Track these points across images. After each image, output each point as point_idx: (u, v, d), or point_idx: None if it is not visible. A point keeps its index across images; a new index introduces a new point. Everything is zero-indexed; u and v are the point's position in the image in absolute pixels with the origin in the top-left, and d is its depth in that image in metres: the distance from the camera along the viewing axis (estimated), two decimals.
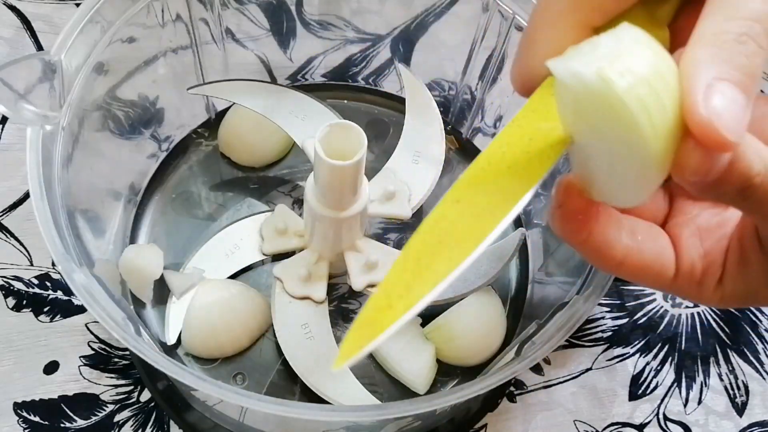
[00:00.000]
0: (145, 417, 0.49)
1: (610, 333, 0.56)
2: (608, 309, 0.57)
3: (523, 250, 0.56)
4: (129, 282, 0.50)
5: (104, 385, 0.50)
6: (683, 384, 0.54)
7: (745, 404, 0.54)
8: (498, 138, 0.27)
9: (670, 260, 0.31)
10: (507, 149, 0.27)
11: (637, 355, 0.55)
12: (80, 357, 0.51)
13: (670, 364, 0.55)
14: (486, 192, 0.26)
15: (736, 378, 0.55)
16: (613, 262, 0.30)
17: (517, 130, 0.27)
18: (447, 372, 0.51)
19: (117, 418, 0.49)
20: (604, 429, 0.52)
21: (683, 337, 0.56)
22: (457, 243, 0.25)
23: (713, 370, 0.55)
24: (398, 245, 0.54)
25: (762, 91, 0.50)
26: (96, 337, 0.51)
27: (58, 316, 0.52)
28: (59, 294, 0.53)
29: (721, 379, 0.55)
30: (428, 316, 0.51)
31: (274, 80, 0.62)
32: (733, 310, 0.57)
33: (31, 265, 0.53)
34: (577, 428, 0.52)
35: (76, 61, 0.42)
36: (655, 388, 0.54)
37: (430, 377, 0.49)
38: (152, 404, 0.50)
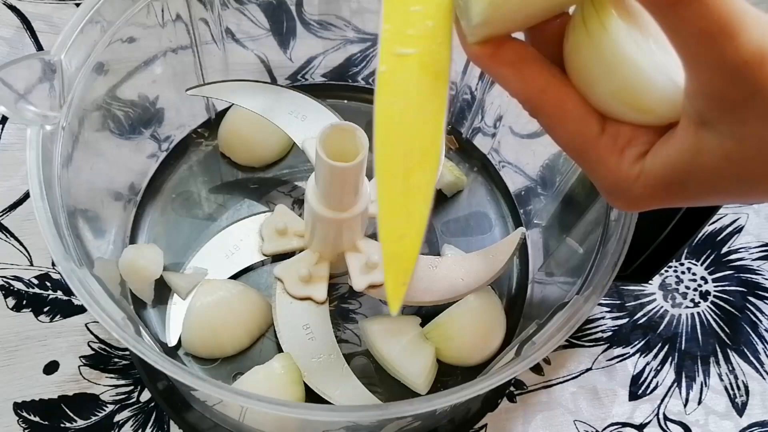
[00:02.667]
0: (145, 417, 0.49)
1: (610, 333, 0.56)
2: (608, 309, 0.57)
3: (523, 250, 0.56)
4: (129, 282, 0.50)
5: (104, 385, 0.50)
6: (683, 384, 0.54)
7: (745, 404, 0.54)
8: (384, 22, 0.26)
9: (595, 122, 0.28)
10: (400, 39, 0.26)
11: (637, 355, 0.55)
12: (80, 357, 0.51)
13: (670, 364, 0.55)
14: (409, 89, 0.26)
15: (736, 378, 0.55)
16: (534, 85, 0.28)
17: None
18: (447, 372, 0.51)
19: (117, 418, 0.49)
20: (604, 429, 0.52)
21: (683, 337, 0.56)
22: (420, 146, 0.25)
23: (713, 370, 0.55)
24: None
25: None
26: (96, 337, 0.51)
27: (58, 316, 0.52)
28: (59, 294, 0.53)
29: (721, 379, 0.55)
30: (428, 316, 0.51)
31: (274, 80, 0.62)
32: (733, 310, 0.57)
33: (31, 265, 0.53)
34: (577, 428, 0.52)
35: (76, 61, 0.42)
36: (655, 388, 0.54)
37: (430, 377, 0.49)
38: (152, 404, 0.50)
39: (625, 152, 0.28)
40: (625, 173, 0.28)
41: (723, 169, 0.25)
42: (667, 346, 0.56)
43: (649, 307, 0.57)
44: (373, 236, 0.51)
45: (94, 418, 0.49)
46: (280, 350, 0.49)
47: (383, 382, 0.50)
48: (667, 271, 0.59)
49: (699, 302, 0.57)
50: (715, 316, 0.57)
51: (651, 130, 0.28)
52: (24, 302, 0.52)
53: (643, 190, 0.28)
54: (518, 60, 0.28)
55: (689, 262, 0.59)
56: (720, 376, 0.55)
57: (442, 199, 0.58)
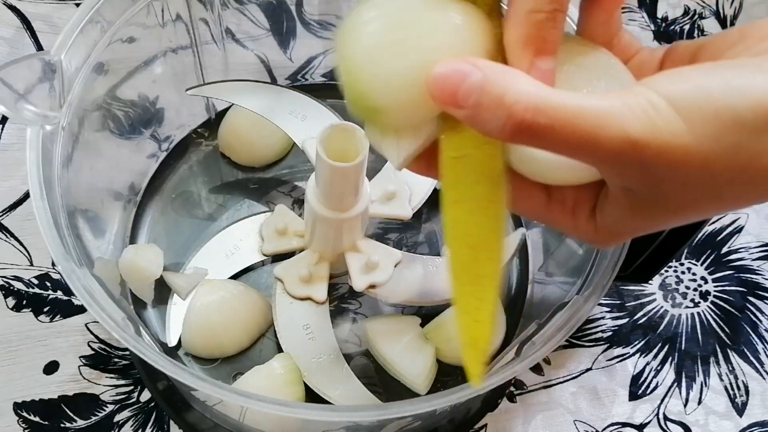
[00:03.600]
0: (145, 417, 0.49)
1: (610, 333, 0.56)
2: (608, 309, 0.57)
3: (523, 250, 0.56)
4: (129, 282, 0.50)
5: (104, 385, 0.50)
6: (683, 384, 0.54)
7: (745, 404, 0.54)
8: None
9: (538, 187, 0.31)
10: (457, 142, 0.29)
11: (637, 355, 0.55)
12: (80, 357, 0.51)
13: (670, 364, 0.55)
14: (473, 181, 0.29)
15: (736, 378, 0.55)
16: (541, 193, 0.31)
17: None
18: (447, 372, 0.51)
19: (117, 418, 0.49)
20: (604, 429, 0.52)
21: (683, 337, 0.56)
22: (484, 240, 0.29)
23: (713, 370, 0.55)
24: (398, 245, 0.54)
25: None
26: (96, 337, 0.51)
27: (58, 316, 0.52)
28: (59, 294, 0.53)
29: (721, 379, 0.55)
30: (428, 316, 0.51)
31: (274, 80, 0.62)
32: (733, 310, 0.57)
33: (31, 265, 0.53)
34: (577, 428, 0.52)
35: (76, 61, 0.42)
36: (655, 388, 0.54)
37: (430, 377, 0.49)
38: (152, 404, 0.50)
39: (576, 214, 0.31)
40: (584, 229, 0.31)
41: (663, 214, 0.28)
42: (667, 346, 0.56)
43: (649, 307, 0.57)
44: (373, 236, 0.51)
45: (94, 418, 0.49)
46: (280, 350, 0.49)
47: (383, 382, 0.50)
48: (667, 271, 0.59)
49: (699, 302, 0.57)
50: (715, 316, 0.57)
51: (590, 191, 0.30)
52: (24, 302, 0.52)
53: (607, 238, 0.31)
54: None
55: (689, 262, 0.59)
56: (720, 376, 0.55)
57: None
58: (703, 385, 0.54)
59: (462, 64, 0.25)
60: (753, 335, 0.57)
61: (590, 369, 0.54)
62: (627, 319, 0.56)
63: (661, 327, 0.56)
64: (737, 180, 0.25)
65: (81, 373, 0.50)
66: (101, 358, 0.51)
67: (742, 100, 0.24)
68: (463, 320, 0.29)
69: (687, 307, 0.57)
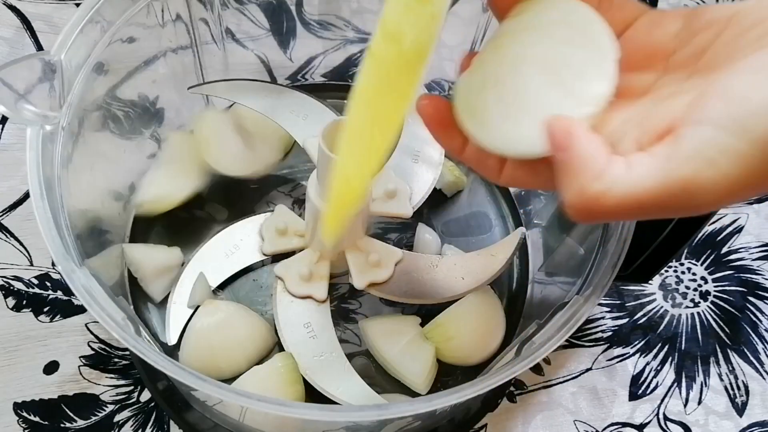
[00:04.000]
0: (145, 417, 0.49)
1: (610, 333, 0.56)
2: (608, 309, 0.57)
3: (523, 250, 0.56)
4: (144, 277, 0.50)
5: (104, 385, 0.50)
6: (683, 384, 0.54)
7: (745, 404, 0.54)
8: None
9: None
10: (392, 31, 0.30)
11: (637, 355, 0.55)
12: (80, 357, 0.51)
13: (670, 364, 0.55)
14: (390, 71, 0.30)
15: (736, 378, 0.55)
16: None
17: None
18: (447, 372, 0.51)
19: (117, 418, 0.49)
20: (604, 429, 0.52)
21: (683, 337, 0.56)
22: (388, 120, 0.30)
23: (713, 370, 0.55)
24: (398, 244, 0.54)
25: None
26: (96, 337, 0.51)
27: (58, 316, 0.52)
28: (59, 294, 0.53)
29: (721, 379, 0.55)
30: (428, 316, 0.51)
31: (274, 80, 0.62)
32: (733, 310, 0.57)
33: (31, 265, 0.53)
34: (577, 428, 0.52)
35: (76, 61, 0.42)
36: (655, 388, 0.54)
37: (430, 377, 0.49)
38: (152, 404, 0.50)
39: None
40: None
41: None
42: (667, 346, 0.56)
43: (649, 307, 0.57)
44: (374, 236, 0.51)
45: (94, 418, 0.49)
46: (280, 349, 0.49)
47: (383, 382, 0.50)
48: (667, 271, 0.59)
49: (699, 302, 0.57)
50: (715, 316, 0.57)
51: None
52: (24, 302, 0.52)
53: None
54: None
55: (689, 262, 0.59)
56: (720, 376, 0.55)
57: (442, 199, 0.58)
58: (703, 385, 0.54)
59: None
60: (753, 335, 0.57)
61: (590, 369, 0.54)
62: (627, 319, 0.56)
63: (661, 327, 0.56)
64: None
65: (81, 373, 0.50)
66: (101, 358, 0.51)
67: None
68: (339, 174, 0.30)
69: (687, 307, 0.57)
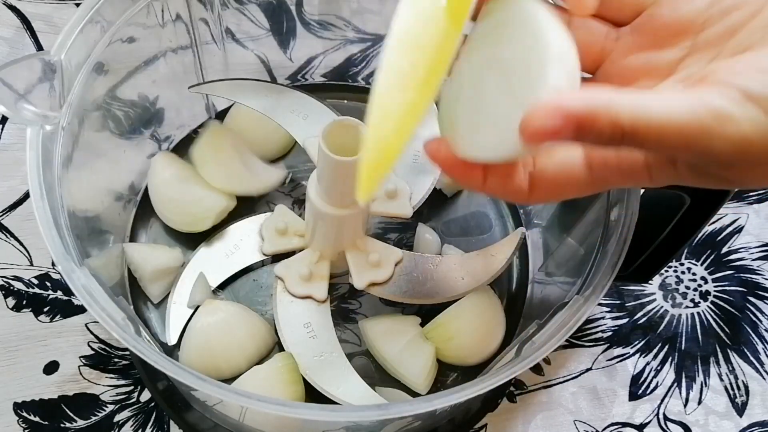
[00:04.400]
0: (145, 417, 0.49)
1: (610, 333, 0.56)
2: (608, 309, 0.57)
3: (523, 250, 0.56)
4: (146, 280, 0.50)
5: (104, 385, 0.50)
6: (683, 384, 0.54)
7: (745, 404, 0.54)
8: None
9: (579, 164, 0.30)
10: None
11: (637, 355, 0.55)
12: (80, 357, 0.51)
13: (670, 364, 0.55)
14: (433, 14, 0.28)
15: (736, 378, 0.55)
16: (523, 192, 0.30)
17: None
18: (447, 372, 0.51)
19: (117, 418, 0.49)
20: (604, 429, 0.52)
21: (683, 337, 0.56)
22: (424, 69, 0.27)
23: (713, 370, 0.55)
24: (398, 244, 0.54)
25: None
26: (96, 337, 0.51)
27: (58, 316, 0.52)
28: (59, 294, 0.53)
29: (721, 379, 0.55)
30: (428, 316, 0.51)
31: (274, 80, 0.62)
32: (733, 310, 0.57)
33: (31, 265, 0.53)
34: (577, 428, 0.52)
35: (76, 61, 0.42)
36: (655, 388, 0.54)
37: (430, 377, 0.49)
38: (152, 404, 0.50)
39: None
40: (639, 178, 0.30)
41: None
42: (667, 346, 0.56)
43: (649, 307, 0.57)
44: (373, 236, 0.51)
45: (94, 418, 0.49)
46: (280, 349, 0.49)
47: (383, 382, 0.50)
48: (667, 271, 0.59)
49: (699, 302, 0.57)
50: (715, 316, 0.57)
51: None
52: (24, 302, 0.52)
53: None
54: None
55: (689, 262, 0.59)
56: (720, 376, 0.55)
57: (442, 199, 0.58)
58: (703, 385, 0.54)
59: (547, 119, 0.25)
60: (753, 335, 0.57)
61: (590, 369, 0.54)
62: (627, 319, 0.56)
63: (661, 327, 0.56)
64: None
65: (81, 373, 0.50)
66: (101, 358, 0.51)
67: None
68: (381, 125, 0.27)
69: (687, 307, 0.57)
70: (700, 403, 0.54)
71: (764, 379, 0.55)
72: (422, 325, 0.51)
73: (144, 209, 0.55)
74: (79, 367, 0.50)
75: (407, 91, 0.27)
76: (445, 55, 0.28)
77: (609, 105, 0.25)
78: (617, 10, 0.32)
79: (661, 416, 0.53)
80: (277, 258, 0.51)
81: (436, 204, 0.57)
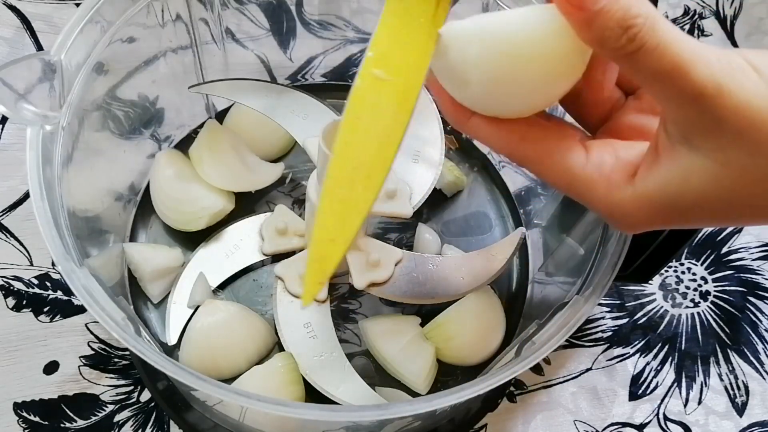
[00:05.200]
0: (145, 417, 0.49)
1: (610, 333, 0.56)
2: (608, 309, 0.57)
3: (523, 250, 0.56)
4: (146, 280, 0.50)
5: (104, 385, 0.50)
6: (683, 384, 0.54)
7: (745, 404, 0.54)
8: (367, 60, 0.29)
9: (579, 147, 0.30)
10: (382, 64, 0.29)
11: (637, 355, 0.55)
12: (80, 357, 0.51)
13: (670, 364, 0.55)
14: (377, 111, 0.28)
15: (736, 378, 0.55)
16: (513, 136, 0.31)
17: (385, 40, 0.29)
18: (447, 372, 0.51)
19: (117, 418, 0.49)
20: (604, 429, 0.52)
21: (683, 337, 0.56)
22: (369, 166, 0.28)
23: (713, 370, 0.55)
24: (398, 244, 0.54)
25: None
26: (96, 337, 0.51)
27: (58, 316, 0.52)
28: (59, 294, 0.53)
29: (721, 379, 0.55)
30: (428, 316, 0.51)
31: (274, 80, 0.62)
32: (733, 310, 0.57)
33: (31, 265, 0.53)
34: (577, 428, 0.52)
35: (76, 61, 0.42)
36: (655, 388, 0.54)
37: (430, 377, 0.49)
38: (152, 404, 0.50)
39: (611, 179, 0.29)
40: (618, 199, 0.29)
41: (712, 192, 0.27)
42: (667, 346, 0.56)
43: (649, 307, 0.57)
44: (373, 236, 0.51)
45: (94, 418, 0.49)
46: (280, 349, 0.49)
47: (383, 382, 0.50)
48: (667, 271, 0.59)
49: (699, 302, 0.57)
50: (715, 316, 0.57)
51: (631, 154, 0.30)
52: (24, 302, 0.52)
53: (639, 213, 0.29)
54: (490, 119, 0.31)
55: (689, 262, 0.59)
56: (720, 376, 0.55)
57: (442, 199, 0.58)
58: (703, 385, 0.54)
59: None
60: (753, 335, 0.57)
61: (590, 369, 0.54)
62: (627, 319, 0.56)
63: (661, 327, 0.56)
64: None
65: (81, 373, 0.50)
66: (101, 358, 0.51)
67: None
68: (319, 235, 0.28)
69: (687, 307, 0.57)
70: (700, 403, 0.54)
71: (764, 379, 0.55)
72: (422, 325, 0.51)
73: (144, 209, 0.55)
74: (79, 367, 0.50)
75: (352, 189, 0.28)
76: (391, 148, 0.28)
77: (645, 2, 0.26)
78: (627, 81, 0.34)
79: (661, 416, 0.53)
80: (277, 258, 0.51)
81: (436, 204, 0.57)
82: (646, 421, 0.53)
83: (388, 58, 0.29)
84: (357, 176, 0.28)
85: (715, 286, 0.58)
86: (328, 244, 0.28)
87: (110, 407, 0.49)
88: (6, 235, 0.54)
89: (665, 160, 0.28)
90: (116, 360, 0.51)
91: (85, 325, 0.52)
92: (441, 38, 0.29)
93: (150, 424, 0.49)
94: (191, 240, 0.53)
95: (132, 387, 0.50)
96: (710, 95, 0.25)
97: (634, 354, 0.55)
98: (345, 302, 0.53)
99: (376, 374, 0.50)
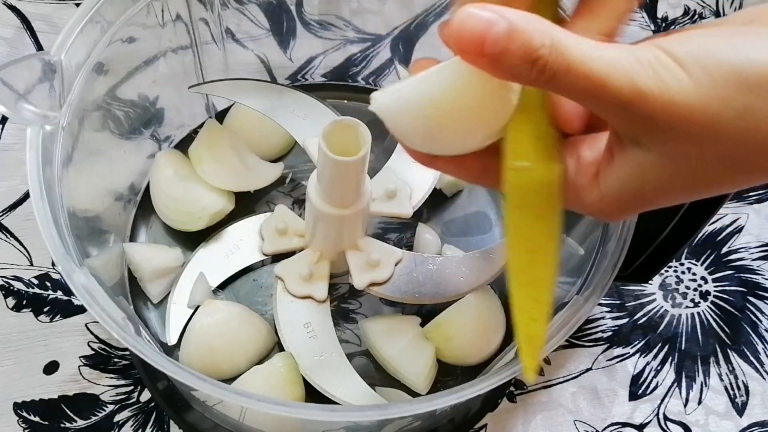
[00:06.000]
0: (145, 417, 0.49)
1: (610, 333, 0.56)
2: (608, 309, 0.57)
3: None
4: (146, 280, 0.50)
5: (104, 385, 0.50)
6: (683, 384, 0.54)
7: (745, 404, 0.54)
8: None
9: None
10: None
11: (637, 355, 0.55)
12: (80, 357, 0.51)
13: (670, 364, 0.55)
14: (532, 190, 0.30)
15: (736, 378, 0.55)
16: (477, 165, 0.32)
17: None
18: (447, 372, 0.51)
19: (117, 418, 0.49)
20: (604, 429, 0.52)
21: (683, 337, 0.56)
22: (542, 245, 0.31)
23: (713, 370, 0.55)
24: (398, 244, 0.54)
25: None
26: (96, 337, 0.51)
27: (58, 316, 0.52)
28: (59, 294, 0.53)
29: (721, 379, 0.55)
30: (428, 316, 0.51)
31: (274, 80, 0.62)
32: (733, 310, 0.57)
33: (31, 265, 0.53)
34: (577, 428, 0.52)
35: (76, 61, 0.42)
36: (655, 388, 0.54)
37: (430, 377, 0.49)
38: (152, 404, 0.50)
39: (577, 183, 0.30)
40: (589, 201, 0.30)
41: (666, 181, 0.28)
42: (667, 346, 0.56)
43: (649, 307, 0.57)
44: (373, 236, 0.51)
45: (94, 418, 0.49)
46: (280, 349, 0.49)
47: (383, 382, 0.50)
48: (667, 271, 0.59)
49: (699, 302, 0.57)
50: (715, 316, 0.57)
51: (594, 151, 0.31)
52: (24, 302, 0.52)
53: (611, 209, 0.30)
54: (452, 158, 0.32)
55: (689, 262, 0.59)
56: (720, 376, 0.55)
57: (442, 199, 0.58)
58: (703, 385, 0.54)
59: (487, 13, 0.26)
60: (753, 335, 0.57)
61: (590, 369, 0.54)
62: (627, 319, 0.56)
63: (661, 327, 0.56)
64: (744, 143, 0.25)
65: (81, 373, 0.50)
66: (101, 358, 0.51)
67: (749, 64, 0.25)
68: (520, 318, 0.31)
69: (687, 307, 0.57)
70: (700, 403, 0.54)
71: (764, 379, 0.55)
72: (422, 325, 0.51)
73: (144, 209, 0.55)
74: (79, 367, 0.50)
75: (532, 270, 0.31)
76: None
77: (546, 29, 0.26)
78: None
79: (661, 416, 0.53)
80: (277, 258, 0.51)
81: (436, 204, 0.57)
82: (646, 421, 0.53)
83: (523, 144, 0.31)
84: (535, 257, 0.31)
85: (715, 286, 0.58)
86: (531, 324, 0.31)
87: (110, 407, 0.49)
88: (6, 235, 0.54)
89: (619, 160, 0.29)
90: (116, 360, 0.51)
91: (85, 325, 0.52)
92: (377, 113, 0.31)
93: (150, 424, 0.49)
94: (191, 240, 0.53)
95: (132, 387, 0.50)
96: (634, 102, 0.25)
97: (634, 354, 0.55)
98: (345, 302, 0.53)
99: (376, 374, 0.50)
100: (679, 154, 0.27)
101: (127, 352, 0.51)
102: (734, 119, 0.25)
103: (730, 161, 0.26)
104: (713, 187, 0.28)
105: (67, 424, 0.48)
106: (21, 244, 0.54)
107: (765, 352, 0.56)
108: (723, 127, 0.25)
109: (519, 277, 0.31)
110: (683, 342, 0.56)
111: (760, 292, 0.58)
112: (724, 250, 0.60)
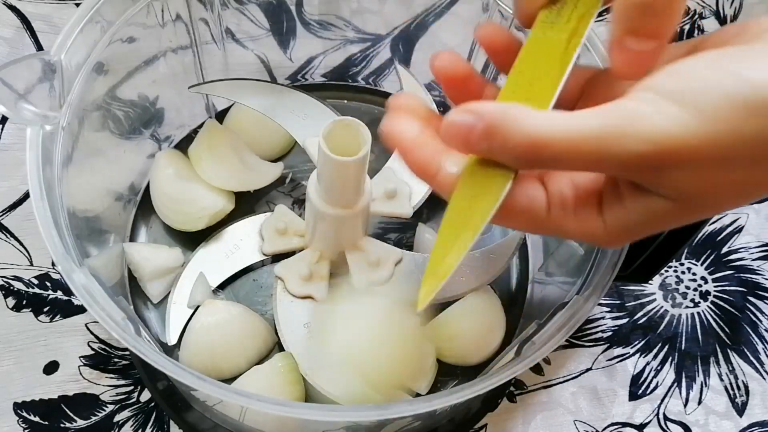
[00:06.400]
0: (145, 417, 0.49)
1: (610, 333, 0.56)
2: (608, 309, 0.57)
3: (523, 250, 0.56)
4: (144, 277, 0.50)
5: (104, 385, 0.50)
6: (683, 384, 0.54)
7: (745, 404, 0.54)
8: None
9: (535, 188, 0.30)
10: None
11: (637, 355, 0.55)
12: (80, 357, 0.51)
13: (670, 364, 0.55)
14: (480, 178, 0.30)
15: (736, 378, 0.55)
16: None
17: None
18: (447, 372, 0.51)
19: (117, 418, 0.49)
20: (604, 429, 0.52)
21: (683, 337, 0.56)
22: (484, 196, 0.30)
23: (713, 370, 0.55)
24: (398, 244, 0.54)
25: None
26: (96, 337, 0.51)
27: (58, 316, 0.52)
28: (59, 294, 0.53)
29: (721, 379, 0.55)
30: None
31: (274, 80, 0.62)
32: (733, 310, 0.57)
33: (31, 265, 0.53)
34: (577, 428, 0.52)
35: (76, 61, 0.42)
36: (655, 388, 0.54)
37: (430, 377, 0.49)
38: (152, 404, 0.50)
39: (579, 214, 0.30)
40: (591, 230, 0.30)
41: (680, 215, 0.28)
42: (667, 346, 0.56)
43: (649, 307, 0.57)
44: (373, 236, 0.51)
45: (94, 418, 0.49)
46: (280, 349, 0.49)
47: None
48: (667, 271, 0.59)
49: (699, 302, 0.57)
50: (715, 316, 0.57)
51: (588, 178, 0.30)
52: (24, 302, 0.52)
53: (612, 238, 0.30)
54: None
55: (689, 262, 0.59)
56: (720, 376, 0.55)
57: (442, 199, 0.57)
58: (703, 385, 0.54)
59: (464, 115, 0.27)
60: (753, 335, 0.57)
61: (590, 369, 0.54)
62: (627, 319, 0.56)
63: (661, 327, 0.56)
64: (760, 165, 0.25)
65: (81, 373, 0.50)
66: (101, 358, 0.51)
67: (748, 87, 0.25)
68: (436, 252, 0.31)
69: (687, 307, 0.57)
70: (700, 403, 0.54)
71: (764, 379, 0.55)
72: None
73: (144, 209, 0.55)
74: (79, 367, 0.50)
75: (461, 227, 0.31)
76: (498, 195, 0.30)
77: (518, 115, 0.26)
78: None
79: (661, 416, 0.53)
80: (277, 258, 0.51)
81: (436, 204, 0.57)
82: (646, 421, 0.53)
83: (522, 83, 0.31)
84: (474, 203, 0.30)
85: (715, 286, 0.58)
86: (442, 261, 0.31)
87: (110, 407, 0.49)
88: (6, 235, 0.54)
89: (629, 202, 0.29)
90: (116, 360, 0.51)
91: (85, 325, 0.52)
92: None
93: (150, 424, 0.49)
94: (191, 240, 0.53)
95: (132, 387, 0.50)
96: (634, 161, 0.25)
97: (634, 354, 0.55)
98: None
99: None
100: (692, 191, 0.27)
101: (127, 352, 0.51)
102: (750, 146, 0.25)
103: (742, 185, 0.26)
104: (724, 209, 0.29)
105: (67, 424, 0.48)
106: (21, 244, 0.54)
107: (765, 352, 0.56)
108: (737, 153, 0.25)
109: (453, 217, 0.31)
110: (683, 342, 0.56)
111: (760, 292, 0.58)
112: (724, 250, 0.60)
